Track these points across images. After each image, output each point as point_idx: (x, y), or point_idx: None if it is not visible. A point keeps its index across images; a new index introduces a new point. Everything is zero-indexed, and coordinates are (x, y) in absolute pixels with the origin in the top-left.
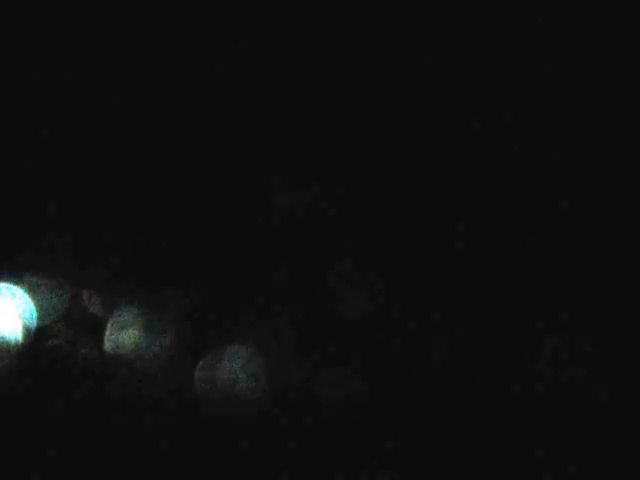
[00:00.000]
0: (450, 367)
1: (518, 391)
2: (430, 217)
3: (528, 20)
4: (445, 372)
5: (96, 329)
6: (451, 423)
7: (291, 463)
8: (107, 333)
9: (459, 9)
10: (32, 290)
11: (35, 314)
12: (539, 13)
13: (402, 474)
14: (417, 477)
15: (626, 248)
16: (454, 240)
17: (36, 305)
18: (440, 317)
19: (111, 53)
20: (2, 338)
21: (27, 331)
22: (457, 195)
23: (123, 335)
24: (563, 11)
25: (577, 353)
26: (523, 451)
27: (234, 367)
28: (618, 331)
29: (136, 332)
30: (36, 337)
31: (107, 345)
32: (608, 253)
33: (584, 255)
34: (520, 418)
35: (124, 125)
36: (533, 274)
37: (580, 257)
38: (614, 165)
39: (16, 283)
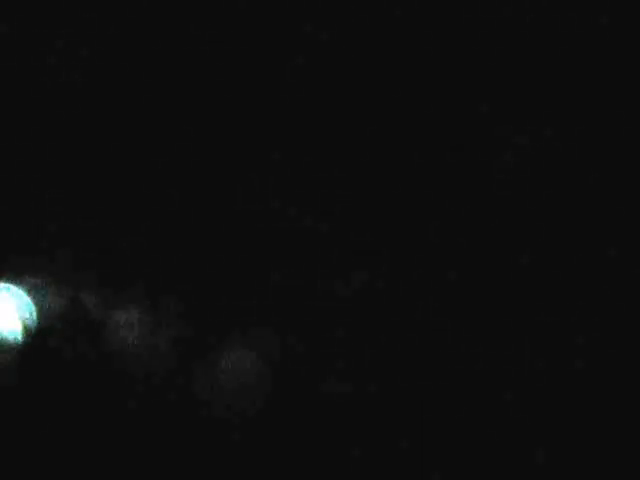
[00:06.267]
0: (450, 368)
1: (517, 391)
2: (430, 218)
3: (528, 20)
4: (445, 372)
5: (96, 329)
6: (451, 423)
7: (291, 463)
8: (107, 333)
9: (459, 9)
10: (32, 290)
11: (35, 314)
12: (539, 13)
13: (401, 474)
14: (417, 477)
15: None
16: (454, 243)
17: (36, 305)
18: (440, 318)
19: (111, 53)
20: (2, 338)
21: (27, 331)
22: (457, 197)
23: (123, 335)
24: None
25: (577, 353)
26: (523, 451)
27: (234, 367)
28: (618, 331)
29: (136, 332)
30: (36, 337)
31: (107, 345)
32: (608, 254)
33: (584, 256)
34: (520, 418)
35: (124, 125)
36: (534, 275)
37: (580, 258)
38: (614, 165)
39: (16, 283)
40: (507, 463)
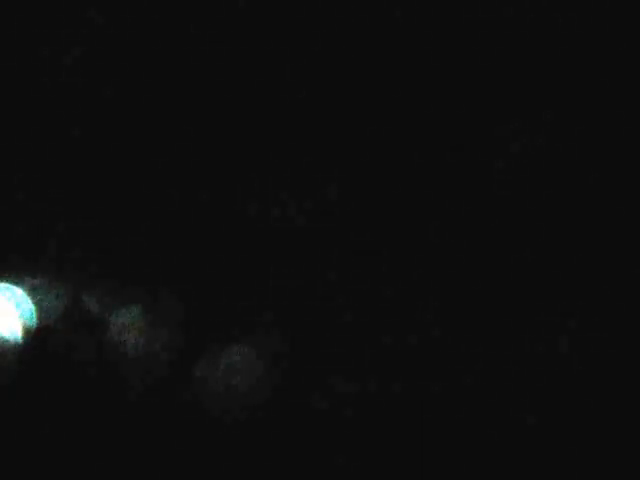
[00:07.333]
0: (450, 368)
1: (518, 391)
2: (429, 218)
3: (528, 20)
4: (445, 373)
5: (96, 329)
6: (450, 424)
7: (290, 463)
8: (107, 333)
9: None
10: (32, 290)
11: (35, 314)
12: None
13: (401, 474)
14: (416, 477)
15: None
16: (454, 244)
17: (36, 305)
18: (440, 318)
19: (111, 53)
20: (2, 338)
21: (27, 331)
22: (457, 197)
23: (123, 335)
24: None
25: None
26: (523, 452)
27: (234, 367)
28: (618, 331)
29: (136, 332)
30: (36, 337)
31: (107, 345)
32: (608, 254)
33: (584, 256)
34: (519, 418)
35: (124, 125)
36: (534, 275)
37: (580, 258)
38: (614, 165)
39: (16, 283)
40: (507, 463)
